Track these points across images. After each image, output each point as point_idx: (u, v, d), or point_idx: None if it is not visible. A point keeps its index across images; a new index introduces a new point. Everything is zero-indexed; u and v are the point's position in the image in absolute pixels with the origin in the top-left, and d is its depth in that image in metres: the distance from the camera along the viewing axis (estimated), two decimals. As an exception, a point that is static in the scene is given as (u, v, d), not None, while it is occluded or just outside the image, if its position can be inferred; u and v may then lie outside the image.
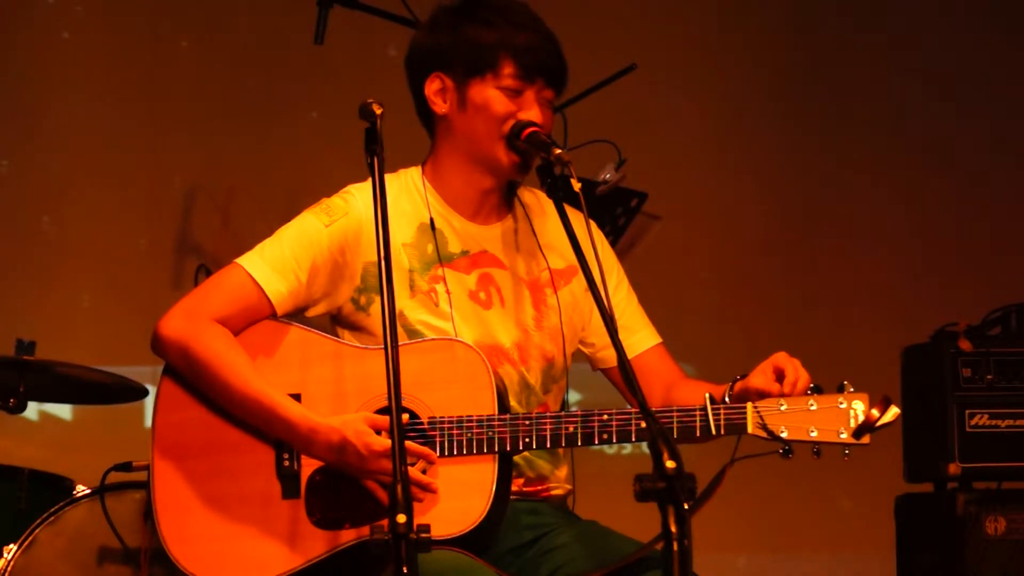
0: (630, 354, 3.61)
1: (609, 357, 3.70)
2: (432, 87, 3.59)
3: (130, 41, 6.09)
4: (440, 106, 3.59)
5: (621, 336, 3.46)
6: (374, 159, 3.28)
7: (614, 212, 4.88)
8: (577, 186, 3.33)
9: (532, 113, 3.52)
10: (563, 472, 3.65)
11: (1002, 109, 6.48)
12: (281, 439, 3.43)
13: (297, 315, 3.58)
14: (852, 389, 3.31)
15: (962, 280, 6.28)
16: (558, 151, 3.42)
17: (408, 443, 3.33)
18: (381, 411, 3.40)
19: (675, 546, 2.74)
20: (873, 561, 5.93)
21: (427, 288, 3.56)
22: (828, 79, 6.51)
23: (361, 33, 5.52)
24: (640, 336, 3.71)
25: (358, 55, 5.95)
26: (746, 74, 6.46)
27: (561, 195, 3.44)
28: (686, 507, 2.76)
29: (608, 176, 4.84)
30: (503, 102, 3.53)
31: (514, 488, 3.49)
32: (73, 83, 6.07)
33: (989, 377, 5.30)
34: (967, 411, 5.29)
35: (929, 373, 5.36)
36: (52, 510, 4.47)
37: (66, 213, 6.04)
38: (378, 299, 3.54)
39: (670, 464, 2.79)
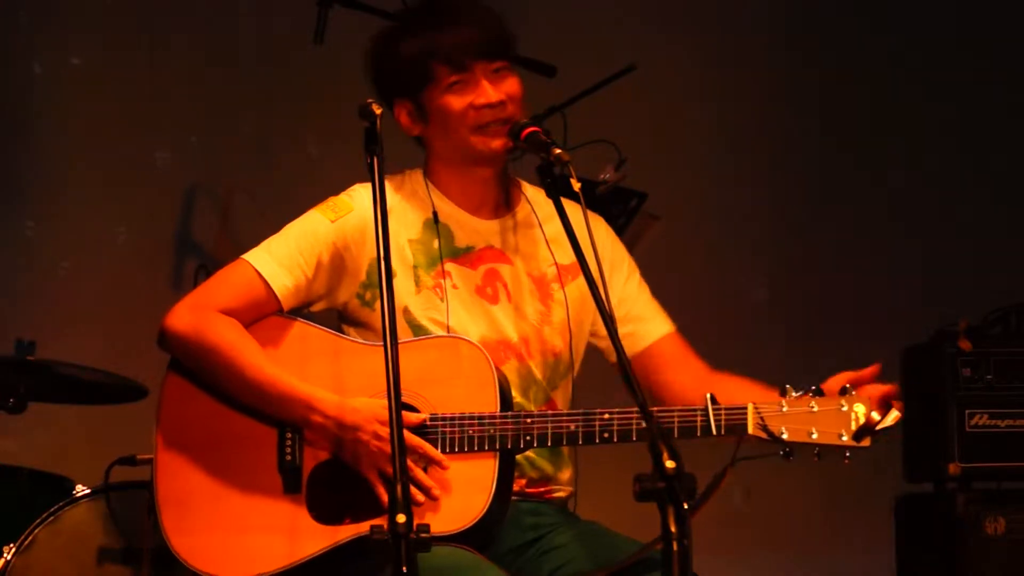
0: (643, 343, 3.66)
1: None
2: (400, 114, 3.63)
3: (127, 41, 6.08)
4: (413, 128, 3.64)
5: (634, 326, 3.62)
6: (374, 159, 3.30)
7: (614, 212, 4.88)
8: (577, 186, 3.34)
9: (485, 94, 3.53)
10: (566, 475, 3.65)
11: (1003, 108, 6.48)
12: (296, 420, 3.44)
13: (302, 311, 3.59)
14: (854, 392, 3.31)
15: (962, 280, 6.28)
16: (558, 151, 3.42)
17: (420, 443, 3.36)
18: (383, 407, 3.41)
19: (675, 546, 2.75)
20: (873, 561, 5.92)
21: (432, 284, 3.57)
22: (828, 78, 6.51)
23: (361, 33, 5.51)
24: (653, 324, 3.70)
25: (358, 55, 5.93)
26: (746, 74, 6.46)
27: (560, 195, 3.44)
28: (686, 507, 2.76)
29: (608, 176, 4.84)
30: (456, 100, 3.56)
31: (516, 488, 3.50)
32: (72, 82, 6.06)
33: (989, 377, 5.30)
34: (967, 411, 5.30)
35: (929, 373, 5.36)
36: (52, 510, 4.47)
37: (65, 213, 6.03)
38: (381, 296, 3.56)
39: (670, 464, 2.80)
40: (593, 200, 4.68)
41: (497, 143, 3.57)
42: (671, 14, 6.42)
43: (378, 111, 3.32)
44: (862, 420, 3.28)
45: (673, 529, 2.75)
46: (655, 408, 3.21)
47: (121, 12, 6.10)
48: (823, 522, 6.28)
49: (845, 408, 3.30)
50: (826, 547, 6.28)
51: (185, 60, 6.11)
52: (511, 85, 3.58)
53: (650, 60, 5.36)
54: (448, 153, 3.62)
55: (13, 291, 5.95)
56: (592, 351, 3.75)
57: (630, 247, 4.74)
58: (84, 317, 5.94)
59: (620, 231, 4.88)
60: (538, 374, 3.60)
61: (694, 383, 3.62)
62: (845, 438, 3.29)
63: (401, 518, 2.86)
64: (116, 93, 6.07)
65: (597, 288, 3.21)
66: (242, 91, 6.13)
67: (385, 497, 3.33)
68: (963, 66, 6.45)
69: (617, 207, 4.92)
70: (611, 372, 3.75)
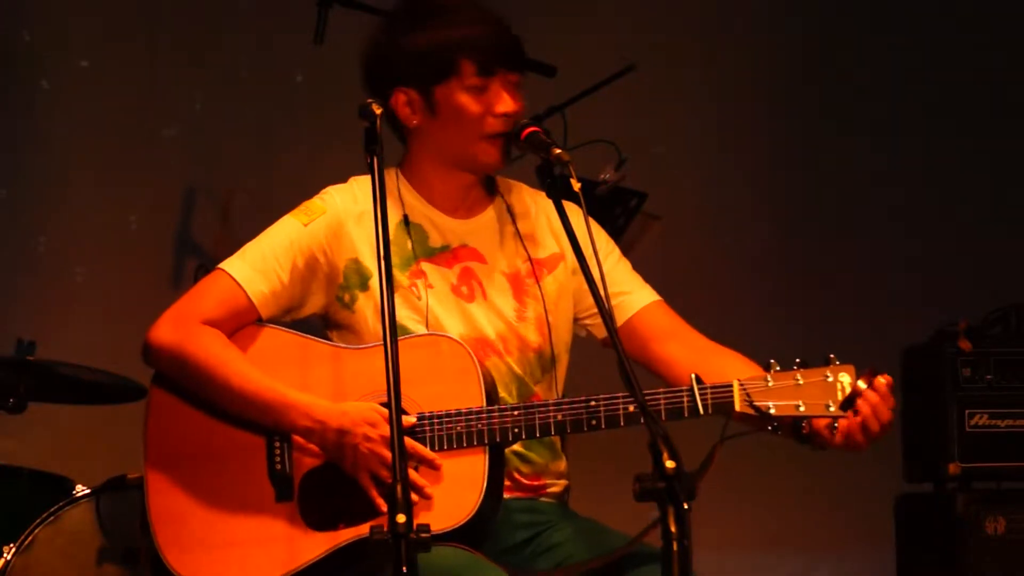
0: (628, 312, 3.64)
1: None
2: (399, 102, 3.60)
3: (127, 42, 6.08)
4: (411, 119, 3.61)
5: (616, 299, 3.59)
6: (374, 159, 3.29)
7: (614, 212, 4.88)
8: (577, 186, 3.33)
9: (506, 104, 3.54)
10: (561, 466, 3.65)
11: (1002, 108, 6.48)
12: (285, 427, 3.43)
13: (283, 318, 3.58)
14: (838, 362, 3.32)
15: (962, 280, 6.28)
16: (558, 151, 3.42)
17: (412, 443, 3.36)
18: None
19: (675, 546, 2.75)
20: (873, 561, 5.92)
21: (408, 284, 3.57)
22: (827, 78, 6.51)
23: (361, 33, 5.51)
24: (637, 295, 3.68)
25: (358, 55, 5.93)
26: (746, 74, 6.45)
27: (560, 195, 3.44)
28: (686, 507, 2.77)
29: (608, 176, 4.84)
30: (473, 102, 3.54)
31: (511, 483, 3.50)
32: (72, 82, 6.06)
33: (989, 377, 5.31)
34: (967, 411, 5.30)
35: (929, 373, 5.37)
36: (51, 510, 4.47)
37: (66, 212, 6.03)
38: (361, 296, 3.56)
39: (670, 464, 2.80)
40: (593, 200, 4.68)
41: (499, 157, 3.57)
42: (670, 14, 6.42)
43: (378, 111, 3.31)
44: (848, 390, 3.29)
45: (673, 529, 2.75)
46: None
47: (116, 15, 6.09)
48: (823, 522, 6.28)
49: (831, 378, 3.31)
50: (826, 547, 6.28)
51: (185, 60, 6.11)
52: (521, 101, 3.59)
53: (650, 60, 5.36)
54: (443, 151, 3.61)
55: (14, 291, 5.96)
56: (586, 342, 3.74)
57: (630, 247, 4.76)
58: (84, 317, 5.94)
59: (620, 231, 4.89)
60: (518, 370, 3.59)
61: (688, 354, 3.60)
62: (832, 408, 3.29)
63: (401, 518, 2.86)
64: (117, 92, 6.07)
65: (596, 286, 3.21)
66: (242, 91, 6.13)
67: (378, 500, 3.34)
68: (963, 66, 6.45)
69: (617, 207, 4.91)
70: (607, 363, 3.75)
